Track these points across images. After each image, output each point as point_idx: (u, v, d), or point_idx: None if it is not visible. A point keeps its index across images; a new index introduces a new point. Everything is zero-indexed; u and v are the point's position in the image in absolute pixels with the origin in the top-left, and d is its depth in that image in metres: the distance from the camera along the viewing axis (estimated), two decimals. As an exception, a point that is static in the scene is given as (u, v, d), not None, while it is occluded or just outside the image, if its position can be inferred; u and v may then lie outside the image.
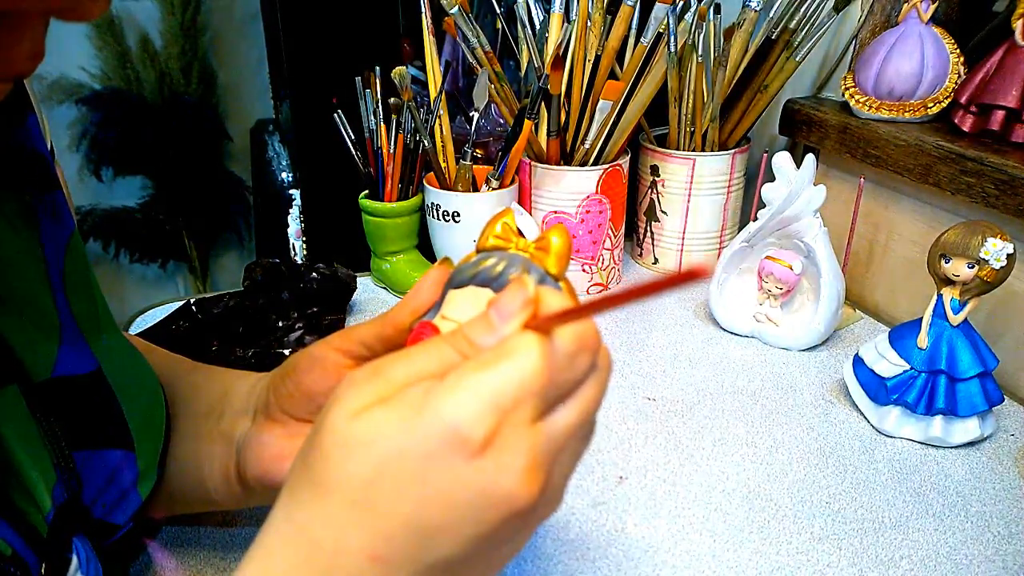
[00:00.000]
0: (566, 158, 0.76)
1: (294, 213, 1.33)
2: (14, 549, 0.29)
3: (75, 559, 0.32)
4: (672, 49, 0.70)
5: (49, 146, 0.36)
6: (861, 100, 0.72)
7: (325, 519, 0.24)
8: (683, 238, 0.80)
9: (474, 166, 0.74)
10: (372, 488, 0.23)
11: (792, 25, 0.74)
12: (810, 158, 0.64)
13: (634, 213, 0.84)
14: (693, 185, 0.77)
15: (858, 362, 0.59)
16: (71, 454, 0.33)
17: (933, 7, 0.68)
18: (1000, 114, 0.63)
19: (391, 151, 0.74)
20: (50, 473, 0.32)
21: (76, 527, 0.33)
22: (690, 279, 0.22)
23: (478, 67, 0.72)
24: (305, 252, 1.33)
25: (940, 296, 0.54)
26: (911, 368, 0.54)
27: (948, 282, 0.53)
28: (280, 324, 0.67)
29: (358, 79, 0.74)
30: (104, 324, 0.37)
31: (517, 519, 0.24)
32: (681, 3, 0.69)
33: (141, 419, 0.37)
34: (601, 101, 0.71)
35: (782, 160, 0.64)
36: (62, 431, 0.33)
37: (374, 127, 0.74)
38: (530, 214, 0.76)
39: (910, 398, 0.54)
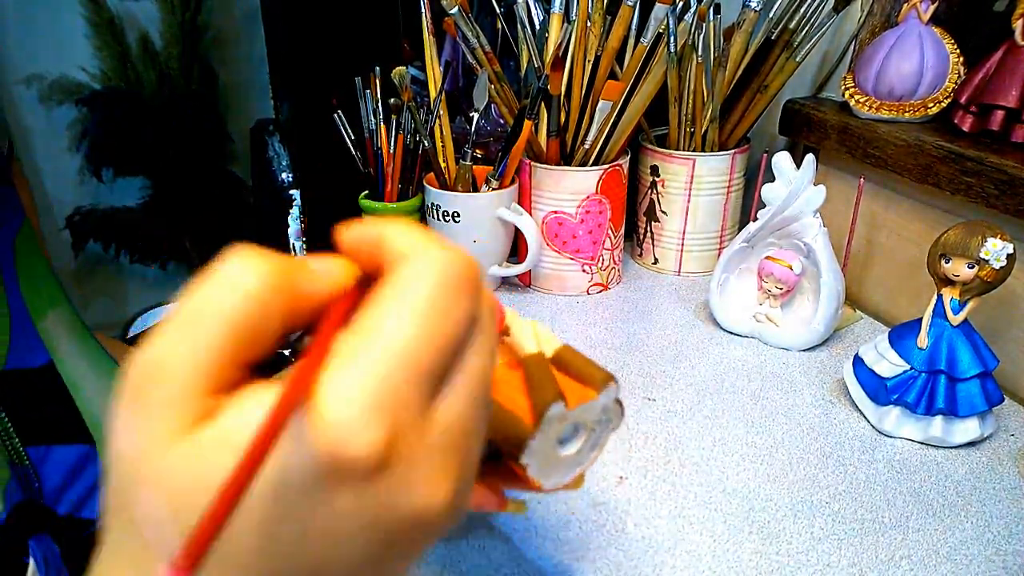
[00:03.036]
0: (566, 158, 0.76)
1: (294, 213, 1.32)
2: None
3: (32, 562, 0.31)
4: (672, 49, 0.70)
5: (6, 145, 0.36)
6: (861, 100, 0.71)
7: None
8: (683, 238, 0.80)
9: (474, 166, 0.74)
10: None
11: (792, 25, 0.74)
12: (810, 158, 0.64)
13: (634, 213, 0.84)
14: (693, 185, 0.77)
15: (858, 362, 0.59)
16: (25, 450, 0.32)
17: (933, 7, 0.68)
18: (1000, 114, 0.63)
19: (391, 151, 0.74)
20: (4, 471, 0.31)
21: (35, 527, 0.32)
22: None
23: (478, 67, 0.72)
24: (305, 252, 1.33)
25: (940, 296, 0.54)
26: (911, 368, 0.54)
27: (948, 282, 0.53)
28: (280, 324, 0.67)
29: (358, 79, 0.74)
30: (52, 298, 0.36)
31: (426, 532, 0.19)
32: (681, 3, 0.69)
33: (100, 412, 0.37)
34: (601, 101, 0.71)
35: (782, 160, 0.64)
36: (14, 426, 0.32)
37: (374, 127, 0.74)
38: (530, 214, 0.76)
39: (910, 398, 0.54)
